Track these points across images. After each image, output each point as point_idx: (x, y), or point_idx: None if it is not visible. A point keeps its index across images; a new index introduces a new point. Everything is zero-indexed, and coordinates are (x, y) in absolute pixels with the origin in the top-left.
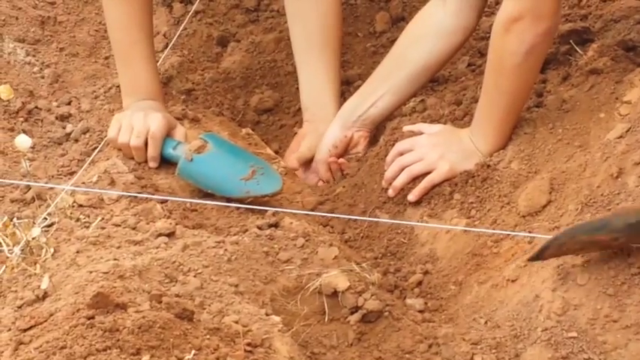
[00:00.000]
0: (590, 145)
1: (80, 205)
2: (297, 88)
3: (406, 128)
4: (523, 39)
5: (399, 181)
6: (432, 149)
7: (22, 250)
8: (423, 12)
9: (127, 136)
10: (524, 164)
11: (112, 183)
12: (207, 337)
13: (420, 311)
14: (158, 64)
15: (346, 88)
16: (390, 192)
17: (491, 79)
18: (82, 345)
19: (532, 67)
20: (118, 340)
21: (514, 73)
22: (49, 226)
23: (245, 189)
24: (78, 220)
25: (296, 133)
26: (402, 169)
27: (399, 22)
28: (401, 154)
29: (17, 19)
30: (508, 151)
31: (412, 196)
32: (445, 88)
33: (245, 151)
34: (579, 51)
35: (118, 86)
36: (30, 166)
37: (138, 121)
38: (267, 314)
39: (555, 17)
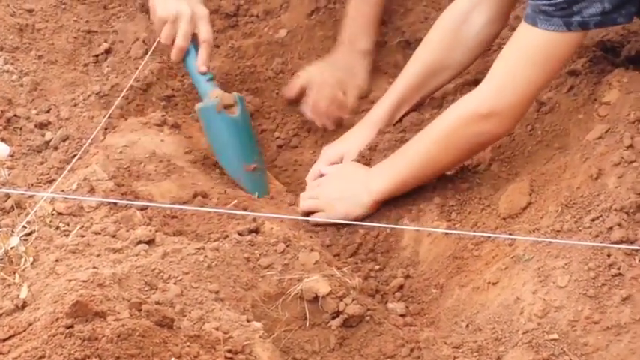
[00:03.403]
0: (570, 147)
1: (60, 214)
2: (277, 93)
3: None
4: (481, 134)
5: (300, 209)
6: (326, 193)
7: (1, 259)
8: (454, 14)
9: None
10: (504, 167)
11: (92, 190)
12: (188, 344)
13: (402, 315)
14: (137, 71)
15: None
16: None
17: (422, 142)
18: (61, 354)
19: (468, 156)
20: (97, 348)
21: (450, 154)
22: (29, 234)
23: (239, 176)
24: (57, 228)
25: (277, 138)
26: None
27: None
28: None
29: None
30: (488, 154)
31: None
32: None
33: (256, 143)
34: None
35: (98, 93)
36: (9, 174)
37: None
38: (248, 320)
39: (517, 121)
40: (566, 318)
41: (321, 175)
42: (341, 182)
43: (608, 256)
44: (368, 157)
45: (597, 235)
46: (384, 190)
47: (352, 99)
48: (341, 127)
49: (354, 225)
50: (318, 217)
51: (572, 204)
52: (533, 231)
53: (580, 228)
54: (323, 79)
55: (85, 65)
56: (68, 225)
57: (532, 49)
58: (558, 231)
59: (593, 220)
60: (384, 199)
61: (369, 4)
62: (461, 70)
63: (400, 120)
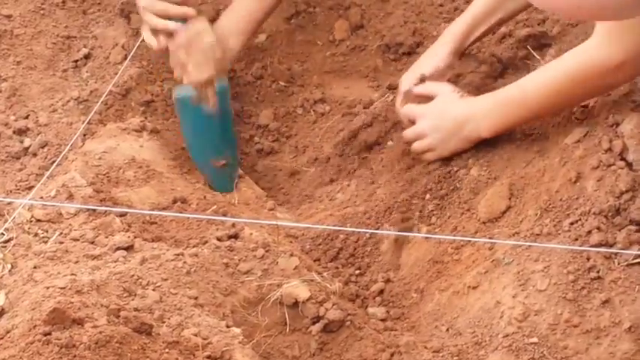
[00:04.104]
0: (549, 150)
1: (38, 220)
2: (257, 98)
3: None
4: (610, 85)
5: (412, 150)
6: (434, 132)
7: None
8: None
9: None
10: (484, 170)
11: (71, 197)
12: (166, 350)
13: (382, 320)
14: (116, 76)
15: (311, 97)
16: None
17: (540, 91)
18: None
19: (584, 101)
20: (75, 356)
21: (568, 104)
22: (7, 241)
23: (206, 169)
24: (36, 235)
25: (257, 143)
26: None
27: (359, 29)
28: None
29: None
30: (467, 158)
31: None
32: None
33: (233, 134)
34: (537, 56)
35: (77, 99)
36: None
37: None
38: (227, 326)
39: None
40: (546, 322)
41: (413, 100)
42: (444, 119)
43: (588, 259)
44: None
45: (576, 239)
46: (493, 130)
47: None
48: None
49: (334, 230)
50: (431, 156)
51: (552, 207)
52: (513, 235)
53: (559, 231)
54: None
55: (64, 71)
56: (47, 232)
57: None
58: (538, 235)
59: (572, 223)
60: (491, 137)
61: None
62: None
63: (475, 42)
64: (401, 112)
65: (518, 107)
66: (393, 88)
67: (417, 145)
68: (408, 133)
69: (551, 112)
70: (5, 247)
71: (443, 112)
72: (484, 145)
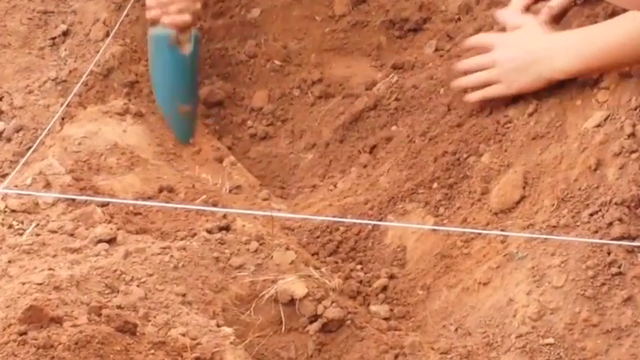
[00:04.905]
0: (567, 136)
1: (13, 211)
2: (250, 79)
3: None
4: None
5: (463, 82)
6: (503, 61)
7: None
8: None
9: None
10: (496, 157)
11: (48, 185)
12: (152, 352)
13: (385, 319)
14: (97, 55)
15: (308, 77)
16: (454, 84)
17: (622, 32)
18: None
19: None
20: (53, 357)
21: None
22: None
23: (170, 115)
24: (10, 226)
25: (251, 127)
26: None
27: (360, 4)
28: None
29: None
30: (478, 143)
31: (472, 97)
32: (411, 75)
33: (196, 84)
34: None
35: (54, 79)
36: None
37: None
38: (218, 325)
39: None
40: (563, 321)
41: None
42: (521, 50)
43: (608, 253)
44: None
45: (596, 231)
46: (568, 71)
47: None
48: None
49: (333, 221)
50: (494, 91)
51: (570, 197)
52: (528, 227)
53: (578, 223)
54: None
55: (41, 49)
56: (22, 223)
57: None
58: (554, 227)
59: (591, 214)
60: (565, 79)
61: None
62: None
63: None
64: (472, 40)
65: (600, 50)
66: (397, 67)
67: (483, 75)
68: (473, 61)
69: (636, 60)
70: None
71: (521, 43)
72: (495, 130)
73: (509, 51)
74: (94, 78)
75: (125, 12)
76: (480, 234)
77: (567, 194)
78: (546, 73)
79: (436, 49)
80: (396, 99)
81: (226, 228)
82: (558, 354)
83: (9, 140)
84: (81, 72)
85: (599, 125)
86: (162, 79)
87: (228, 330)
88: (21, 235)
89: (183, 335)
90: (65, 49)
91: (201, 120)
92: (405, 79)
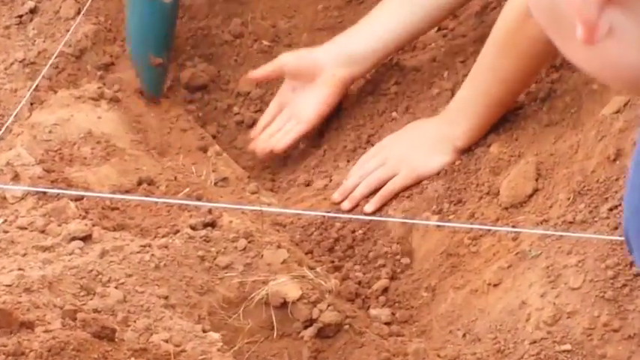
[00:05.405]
0: (583, 123)
1: None
2: (236, 61)
3: None
4: (538, 34)
5: (357, 193)
6: (393, 151)
7: None
8: None
9: None
10: (506, 147)
11: (16, 177)
12: (132, 359)
13: (387, 323)
14: (68, 34)
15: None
16: (346, 204)
17: (489, 62)
18: None
19: (549, 53)
20: None
21: (524, 61)
22: None
23: (142, 66)
24: None
25: (237, 114)
26: (362, 179)
27: None
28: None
29: None
30: (487, 133)
31: (369, 207)
32: (412, 57)
33: (172, 37)
34: None
35: (22, 61)
36: None
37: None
38: (203, 331)
39: None
40: (581, 325)
41: None
42: (406, 135)
43: (630, 251)
44: None
45: (616, 228)
46: (471, 131)
47: None
48: None
49: (329, 216)
50: (396, 184)
51: (587, 190)
52: (541, 222)
53: (596, 219)
54: None
55: (6, 28)
56: None
57: None
58: (570, 222)
59: (611, 209)
60: (470, 141)
61: None
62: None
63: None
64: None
65: (473, 89)
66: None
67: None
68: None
69: (501, 82)
70: None
71: (406, 130)
72: (505, 117)
73: (396, 140)
74: (65, 59)
75: None
76: (489, 230)
77: (584, 187)
78: (447, 145)
79: (439, 29)
80: (396, 83)
81: (212, 224)
82: None
83: None
84: (50, 53)
85: (618, 111)
86: (138, 27)
87: (215, 336)
88: None
89: (166, 341)
90: (33, 28)
91: (183, 106)
92: (405, 61)
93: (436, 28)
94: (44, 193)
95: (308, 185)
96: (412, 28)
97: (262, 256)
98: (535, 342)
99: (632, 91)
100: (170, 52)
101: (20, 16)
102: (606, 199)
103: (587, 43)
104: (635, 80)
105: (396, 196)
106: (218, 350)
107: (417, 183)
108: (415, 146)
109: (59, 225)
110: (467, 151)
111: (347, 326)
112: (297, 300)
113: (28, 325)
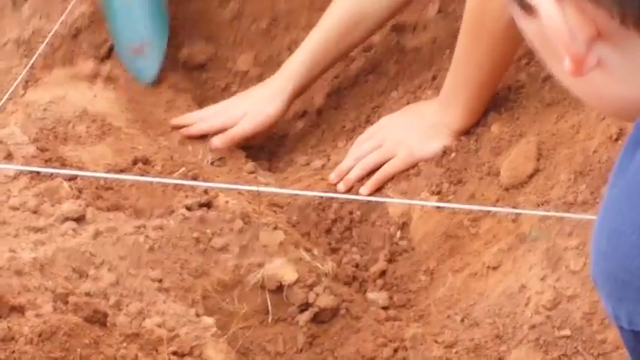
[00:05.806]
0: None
1: None
2: (234, 41)
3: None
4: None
5: (352, 175)
6: (390, 133)
7: None
8: None
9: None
10: (507, 127)
11: (9, 156)
12: (124, 344)
13: (384, 308)
14: (64, 13)
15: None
16: (341, 186)
17: (465, 48)
18: None
19: (516, 34)
20: (14, 351)
21: (494, 42)
22: None
23: (123, 57)
24: None
25: (235, 92)
26: (358, 161)
27: None
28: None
29: None
30: (487, 112)
31: (364, 190)
32: (413, 37)
33: (163, 22)
34: None
35: (17, 40)
36: None
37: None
38: (197, 315)
39: None
40: (581, 310)
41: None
42: (403, 118)
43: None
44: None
45: None
46: (462, 118)
47: None
48: None
49: (327, 196)
50: (393, 167)
51: (589, 171)
52: (542, 204)
53: (597, 200)
54: None
55: (1, 8)
56: None
57: None
58: (572, 203)
59: None
60: (466, 126)
61: None
62: (382, 21)
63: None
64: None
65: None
66: (397, 29)
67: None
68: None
69: (475, 65)
70: None
71: (402, 114)
72: (505, 96)
73: (393, 123)
74: (60, 38)
75: None
76: (489, 212)
77: (586, 167)
78: (444, 129)
79: (439, 11)
80: (396, 62)
81: (208, 205)
82: (575, 347)
83: None
84: (46, 32)
85: None
86: (114, 18)
87: (209, 320)
88: None
89: (159, 326)
90: (28, 7)
91: (180, 85)
92: (406, 42)
93: (437, 9)
94: (37, 172)
95: (306, 165)
96: (338, 37)
97: (258, 237)
98: (534, 327)
99: (619, 118)
100: (161, 35)
101: None
102: (608, 179)
103: (574, 75)
104: (620, 109)
105: (393, 177)
106: (212, 335)
107: (413, 167)
108: (413, 129)
109: (52, 205)
110: (466, 133)
111: (343, 311)
112: (293, 283)
113: (19, 309)
